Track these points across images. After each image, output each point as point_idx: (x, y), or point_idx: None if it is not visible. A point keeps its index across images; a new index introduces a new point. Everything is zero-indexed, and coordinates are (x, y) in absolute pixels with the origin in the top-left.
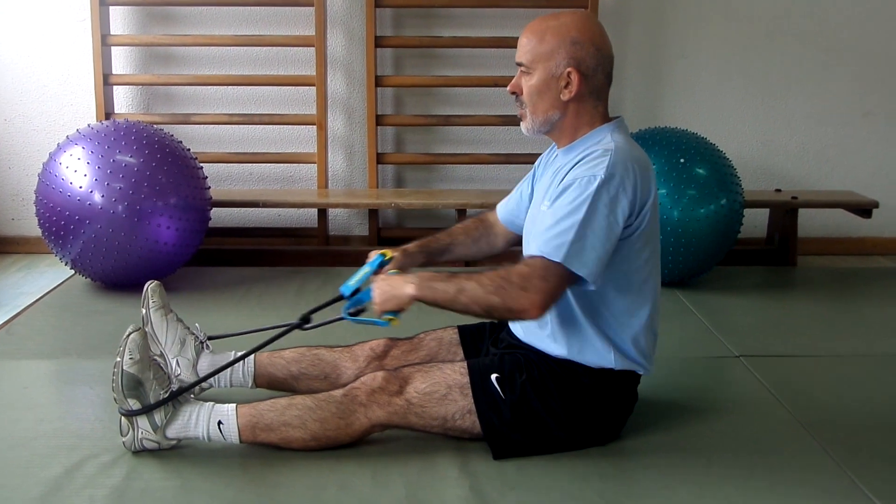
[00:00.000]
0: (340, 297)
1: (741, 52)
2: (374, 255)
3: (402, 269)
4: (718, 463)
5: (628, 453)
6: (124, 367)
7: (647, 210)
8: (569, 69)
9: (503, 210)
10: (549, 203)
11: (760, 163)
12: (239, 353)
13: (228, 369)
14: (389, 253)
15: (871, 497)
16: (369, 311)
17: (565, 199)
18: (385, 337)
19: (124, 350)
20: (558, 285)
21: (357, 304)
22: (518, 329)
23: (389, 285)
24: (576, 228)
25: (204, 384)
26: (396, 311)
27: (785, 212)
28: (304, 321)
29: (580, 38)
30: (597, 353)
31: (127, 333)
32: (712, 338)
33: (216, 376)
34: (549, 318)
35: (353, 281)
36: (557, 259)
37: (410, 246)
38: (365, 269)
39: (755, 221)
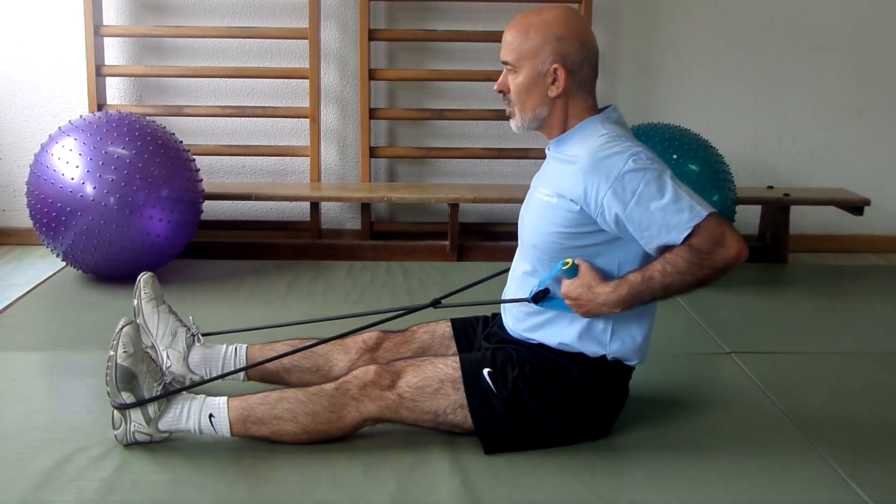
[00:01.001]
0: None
1: (734, 48)
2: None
3: None
4: (708, 458)
5: (619, 448)
6: (118, 361)
7: None
8: (555, 65)
9: None
10: (548, 191)
11: (752, 160)
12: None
13: (221, 362)
14: (570, 263)
15: (858, 491)
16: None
17: (639, 188)
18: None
19: (118, 343)
20: (728, 223)
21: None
22: (509, 321)
23: (587, 299)
24: (676, 189)
25: (195, 377)
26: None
27: (777, 209)
28: (437, 302)
29: (564, 33)
30: (594, 339)
31: (120, 326)
32: (703, 334)
33: (206, 369)
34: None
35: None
36: (703, 215)
37: None
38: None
39: (747, 218)
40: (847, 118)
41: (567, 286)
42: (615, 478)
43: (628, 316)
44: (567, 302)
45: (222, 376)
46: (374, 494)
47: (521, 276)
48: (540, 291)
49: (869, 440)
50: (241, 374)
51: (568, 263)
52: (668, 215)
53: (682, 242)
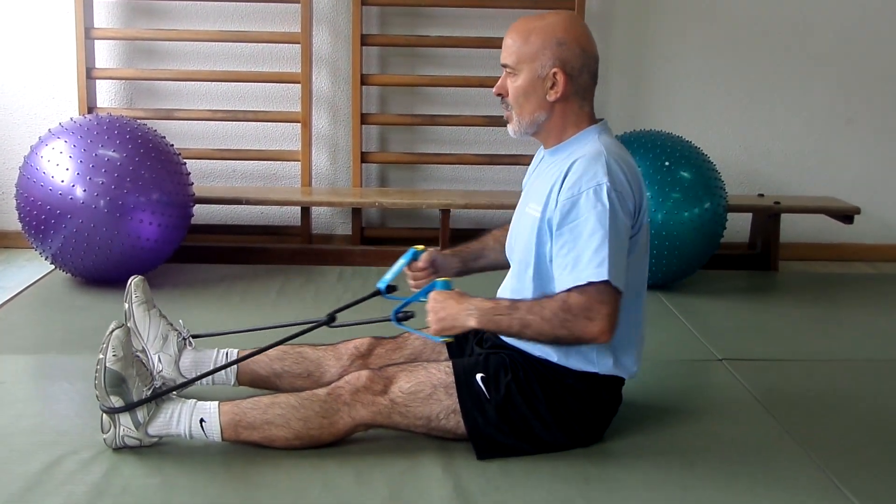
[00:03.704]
0: (377, 293)
1: (725, 56)
2: (406, 252)
3: (445, 272)
4: (701, 465)
5: (612, 455)
6: (107, 365)
7: (643, 211)
8: (554, 70)
9: None
10: (538, 206)
11: (743, 168)
12: (236, 352)
13: (212, 366)
14: (422, 247)
15: (851, 498)
16: (417, 317)
17: (582, 215)
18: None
19: (107, 347)
20: (615, 304)
21: (405, 307)
22: None
23: (447, 313)
24: (608, 243)
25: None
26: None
27: (767, 217)
28: (331, 319)
29: (565, 38)
30: (581, 358)
31: (110, 330)
32: (695, 341)
33: (197, 373)
34: None
35: (389, 275)
36: (605, 278)
37: (446, 251)
38: (399, 263)
39: (738, 226)
40: (837, 127)
41: (436, 295)
42: (608, 484)
43: (616, 340)
44: (429, 305)
45: (206, 375)
46: (367, 500)
47: (510, 292)
48: (405, 312)
49: (861, 447)
50: (233, 379)
51: (418, 248)
52: (580, 256)
53: (566, 290)
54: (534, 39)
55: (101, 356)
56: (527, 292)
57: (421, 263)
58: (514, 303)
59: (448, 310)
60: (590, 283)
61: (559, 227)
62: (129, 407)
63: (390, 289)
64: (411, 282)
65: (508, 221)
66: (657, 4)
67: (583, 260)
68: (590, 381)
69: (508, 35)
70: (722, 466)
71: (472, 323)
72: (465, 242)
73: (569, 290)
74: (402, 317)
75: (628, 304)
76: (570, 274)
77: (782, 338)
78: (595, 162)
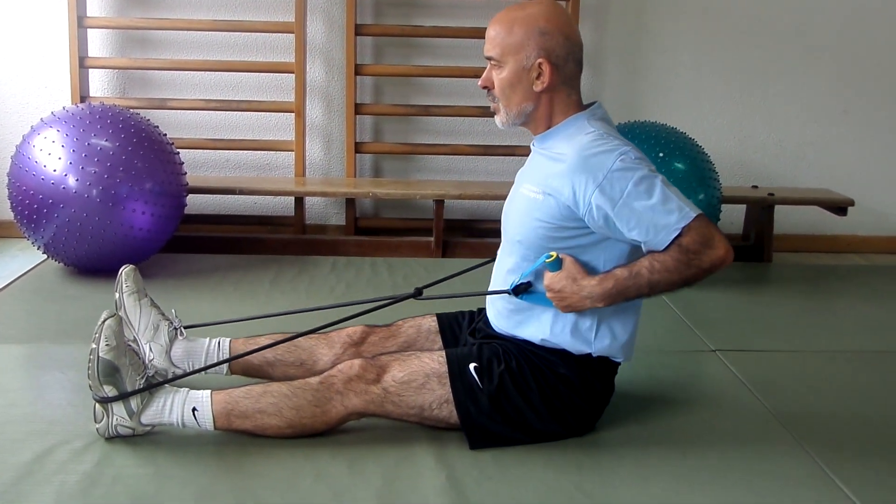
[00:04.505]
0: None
1: (720, 47)
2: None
3: None
4: (694, 455)
5: (605, 445)
6: (100, 354)
7: None
8: (539, 60)
9: None
10: (535, 188)
11: (738, 159)
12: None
13: (204, 356)
14: (554, 255)
15: (842, 488)
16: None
17: (629, 187)
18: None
19: (100, 336)
20: (715, 225)
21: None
22: (494, 315)
23: (569, 299)
24: (666, 190)
25: (178, 371)
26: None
27: (761, 208)
28: (419, 292)
29: (548, 27)
30: (579, 337)
31: (102, 319)
32: (689, 332)
33: (189, 362)
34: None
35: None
36: (691, 218)
37: None
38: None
39: (731, 218)
40: (832, 118)
41: (550, 278)
42: (601, 473)
43: (612, 314)
44: (549, 294)
45: (204, 369)
46: (359, 489)
47: (506, 272)
48: (521, 284)
49: (852, 437)
50: (225, 368)
51: (552, 256)
52: (656, 215)
53: (672, 242)
54: (517, 30)
55: (94, 346)
56: (518, 269)
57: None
58: (631, 269)
59: (567, 295)
60: (685, 227)
61: (617, 213)
62: (123, 396)
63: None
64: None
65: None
66: None
67: (663, 220)
68: (583, 370)
69: (491, 27)
70: (715, 456)
71: (599, 304)
72: None
73: (674, 239)
74: (521, 289)
75: None
76: (659, 235)
77: (775, 329)
78: (597, 143)
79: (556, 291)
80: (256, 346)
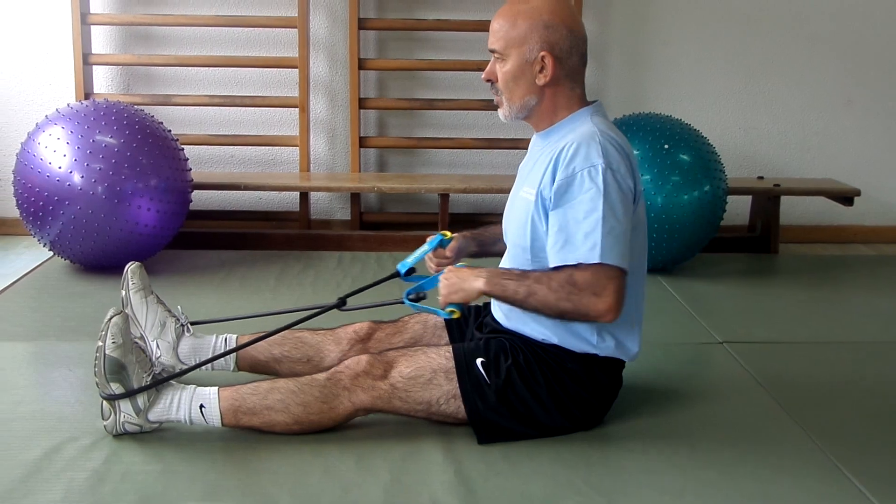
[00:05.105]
0: (396, 275)
1: (724, 38)
2: (432, 237)
3: (462, 255)
4: (702, 447)
5: (613, 438)
6: (107, 352)
7: (638, 193)
8: (542, 53)
9: None
10: (533, 190)
11: (743, 150)
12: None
13: (211, 352)
14: (449, 234)
15: (852, 479)
16: (430, 299)
17: (576, 196)
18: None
19: (106, 334)
20: (622, 283)
21: (419, 290)
22: (500, 314)
23: (458, 277)
24: (601, 226)
25: (184, 367)
26: (460, 304)
27: (767, 199)
28: (342, 302)
29: (552, 20)
30: (581, 339)
31: (109, 317)
32: (696, 324)
33: (196, 359)
34: None
35: (410, 259)
36: (595, 261)
37: (466, 233)
38: (423, 248)
39: (737, 209)
40: (837, 108)
41: (448, 271)
42: (610, 468)
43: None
44: (440, 280)
45: (209, 361)
46: (367, 485)
47: None
48: (418, 294)
49: (862, 429)
50: (232, 364)
51: (446, 235)
52: (574, 235)
53: (572, 266)
54: (521, 23)
55: (101, 343)
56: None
57: (448, 252)
58: (524, 272)
59: (458, 276)
60: (597, 263)
61: (554, 207)
62: (130, 394)
63: (410, 272)
64: (432, 265)
65: None
66: None
67: (576, 241)
68: (590, 365)
69: (495, 20)
70: (723, 449)
71: (479, 284)
72: (484, 226)
73: (575, 266)
74: (415, 298)
75: (629, 286)
76: (559, 252)
77: (783, 320)
78: (589, 143)
79: (449, 273)
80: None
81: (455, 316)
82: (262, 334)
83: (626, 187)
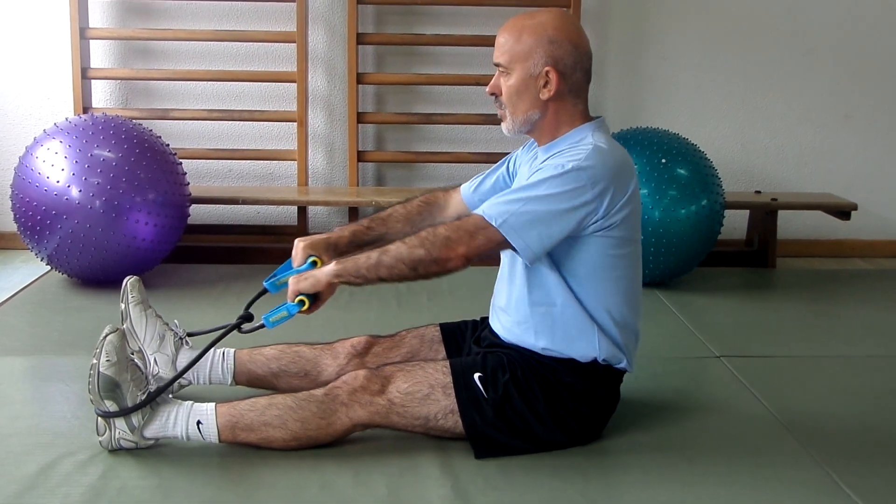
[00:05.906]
0: (265, 292)
1: (722, 53)
2: (300, 255)
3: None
4: (700, 462)
5: (611, 452)
6: (101, 370)
7: (619, 210)
8: (547, 68)
9: (474, 192)
10: None
11: (740, 164)
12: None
13: (209, 366)
14: (320, 262)
15: (849, 494)
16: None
17: (533, 176)
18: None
19: (101, 352)
20: (485, 245)
21: (279, 312)
22: (499, 328)
23: (310, 273)
24: (526, 201)
25: (183, 381)
26: (311, 295)
27: (765, 213)
28: (246, 319)
29: (557, 36)
30: (584, 342)
31: (104, 335)
32: (693, 338)
33: (194, 373)
34: (529, 310)
35: (279, 279)
36: (494, 224)
37: (341, 239)
38: (292, 270)
39: (735, 223)
40: (834, 122)
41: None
42: (607, 482)
43: (610, 319)
44: (290, 281)
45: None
46: (365, 500)
47: (505, 284)
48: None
49: (860, 443)
50: (230, 379)
51: (318, 262)
52: (504, 196)
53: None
54: (526, 38)
55: (95, 361)
56: (519, 284)
57: None
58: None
59: (304, 278)
60: (480, 217)
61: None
62: (124, 413)
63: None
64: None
65: (429, 190)
66: (653, 1)
67: (497, 202)
68: (588, 379)
69: (500, 34)
70: (721, 463)
71: (329, 267)
72: (361, 221)
73: (482, 221)
74: (276, 319)
75: (630, 294)
76: (484, 206)
77: (780, 334)
78: (580, 148)
79: (300, 278)
80: (262, 357)
81: (304, 310)
82: (286, 350)
83: (582, 203)
